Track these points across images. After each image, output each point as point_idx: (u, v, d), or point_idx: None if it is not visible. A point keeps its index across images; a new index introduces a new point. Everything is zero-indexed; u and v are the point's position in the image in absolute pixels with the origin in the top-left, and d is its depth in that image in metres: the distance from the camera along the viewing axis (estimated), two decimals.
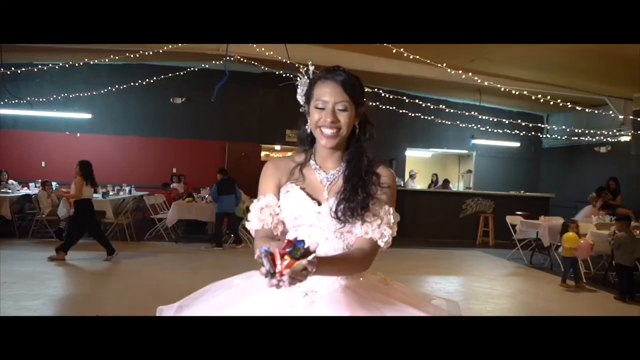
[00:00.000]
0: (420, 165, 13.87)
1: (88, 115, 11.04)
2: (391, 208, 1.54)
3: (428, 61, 7.82)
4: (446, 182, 12.32)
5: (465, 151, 13.62)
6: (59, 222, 8.19)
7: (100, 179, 10.50)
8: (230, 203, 8.31)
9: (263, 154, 13.23)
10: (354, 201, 1.48)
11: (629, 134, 9.87)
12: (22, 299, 4.60)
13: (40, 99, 10.29)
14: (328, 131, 1.50)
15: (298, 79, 1.63)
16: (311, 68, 1.61)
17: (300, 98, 1.61)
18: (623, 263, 5.89)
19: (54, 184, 9.21)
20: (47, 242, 7.54)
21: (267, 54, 8.03)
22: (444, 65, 8.11)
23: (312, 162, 1.61)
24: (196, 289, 1.73)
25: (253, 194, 8.72)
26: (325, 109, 1.49)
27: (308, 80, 1.59)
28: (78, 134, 11.32)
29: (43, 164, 11.02)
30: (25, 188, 9.45)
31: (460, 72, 8.33)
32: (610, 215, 8.12)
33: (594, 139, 10.85)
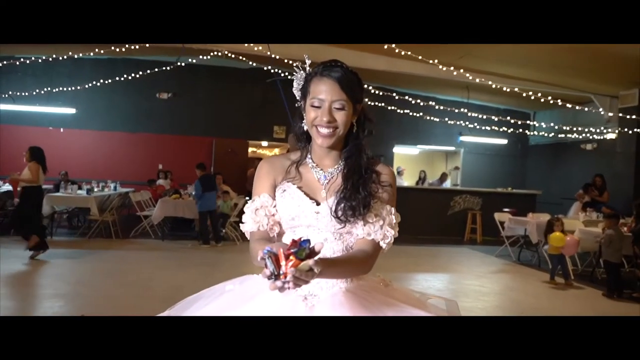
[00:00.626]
0: (407, 162, 13.88)
1: (72, 110, 10.84)
2: (393, 208, 1.49)
3: (420, 57, 7.78)
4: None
5: (452, 148, 13.65)
6: (42, 219, 8.02)
7: (84, 175, 10.47)
8: (213, 200, 8.21)
9: (250, 150, 13.15)
10: (355, 200, 1.42)
11: (615, 131, 9.95)
12: (4, 298, 4.48)
13: (23, 94, 10.08)
14: (324, 130, 1.44)
15: (294, 73, 1.57)
16: (308, 62, 1.54)
17: (296, 93, 1.55)
18: (611, 260, 5.93)
19: None
20: None
21: (255, 49, 7.93)
22: (436, 61, 8.09)
23: (308, 160, 1.55)
24: (184, 287, 1.66)
25: (240, 190, 8.67)
26: (321, 107, 1.43)
27: (304, 75, 1.52)
28: (61, 129, 11.11)
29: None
30: (7, 184, 9.26)
31: (451, 68, 8.32)
32: (597, 212, 8.19)
33: (580, 137, 10.93)
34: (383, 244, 1.46)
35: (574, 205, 8.94)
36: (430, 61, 8.04)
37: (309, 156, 1.55)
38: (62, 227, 9.18)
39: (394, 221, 1.48)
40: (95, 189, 8.83)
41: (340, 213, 1.42)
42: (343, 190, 1.45)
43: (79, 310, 4.29)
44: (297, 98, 1.55)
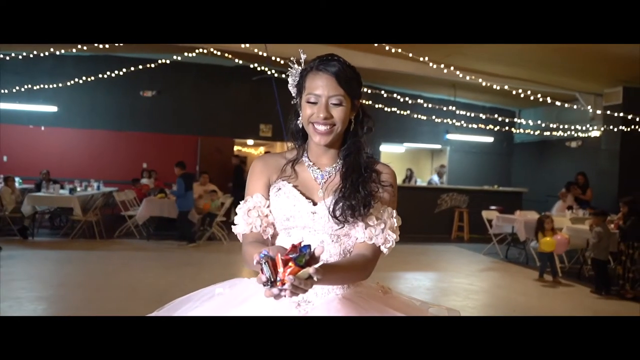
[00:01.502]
0: (393, 160, 13.56)
1: (53, 108, 10.61)
2: (394, 211, 1.43)
3: (410, 54, 7.74)
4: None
5: (439, 146, 13.68)
6: (24, 220, 7.85)
7: (67, 174, 10.28)
8: (192, 199, 8.11)
9: (236, 148, 13.04)
10: (355, 199, 1.35)
11: (600, 129, 10.03)
12: None
13: (3, 91, 9.85)
14: (321, 127, 1.37)
15: (289, 68, 1.50)
16: (303, 57, 1.48)
17: (292, 89, 1.48)
18: (598, 257, 5.94)
19: (17, 179, 8.84)
20: (10, 241, 7.21)
21: (242, 46, 7.82)
22: (426, 59, 8.05)
23: (304, 158, 1.48)
24: (170, 288, 1.59)
25: (226, 189, 8.59)
26: (317, 103, 1.36)
27: (299, 70, 1.45)
28: (42, 128, 10.88)
29: (5, 158, 10.55)
30: None
31: (442, 66, 8.28)
32: (582, 209, 8.24)
33: (565, 134, 11.01)
34: (384, 249, 1.40)
35: (557, 203, 8.98)
36: (421, 59, 7.99)
37: (306, 154, 1.49)
38: (44, 228, 8.99)
39: (396, 224, 1.41)
40: (78, 189, 8.66)
41: (338, 213, 1.35)
42: (342, 189, 1.38)
43: (62, 313, 4.17)
44: (293, 95, 1.49)
